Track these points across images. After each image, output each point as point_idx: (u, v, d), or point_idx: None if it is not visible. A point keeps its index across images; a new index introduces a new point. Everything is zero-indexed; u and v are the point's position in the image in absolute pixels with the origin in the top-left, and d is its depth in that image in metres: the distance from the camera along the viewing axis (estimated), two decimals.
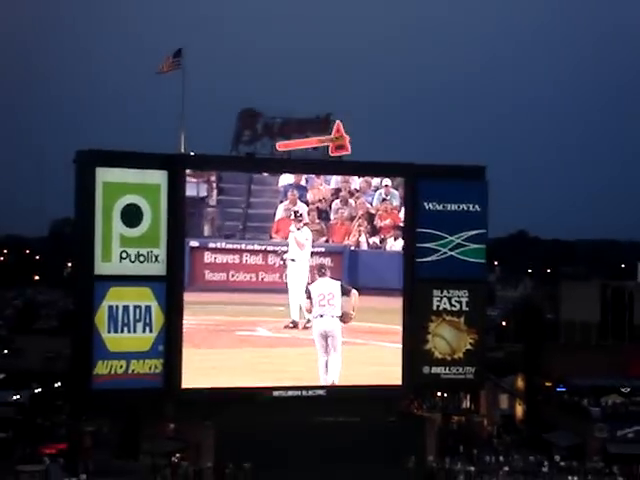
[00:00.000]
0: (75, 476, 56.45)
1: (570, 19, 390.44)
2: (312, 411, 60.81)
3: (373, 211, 65.58)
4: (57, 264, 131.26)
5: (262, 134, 63.30)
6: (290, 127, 63.41)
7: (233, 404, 59.57)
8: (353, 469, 58.11)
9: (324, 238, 64.67)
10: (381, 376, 63.62)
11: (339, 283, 62.20)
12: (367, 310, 62.96)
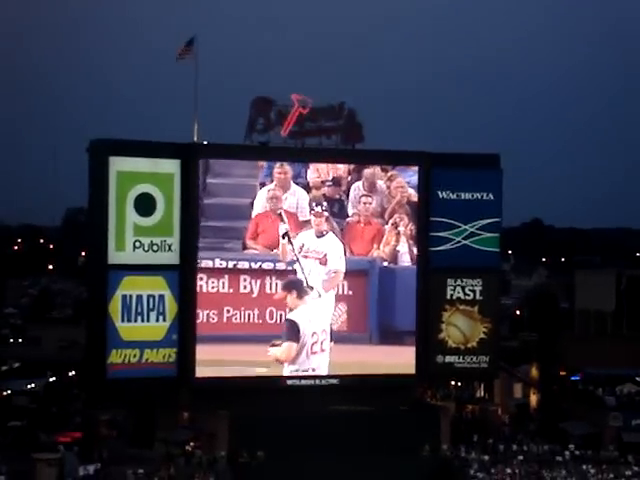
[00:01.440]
0: (90, 464, 56.71)
1: (586, 3, 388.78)
2: (326, 400, 60.79)
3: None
4: (71, 253, 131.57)
5: (276, 122, 62.99)
6: (304, 115, 63.01)
7: (247, 393, 59.63)
8: (366, 458, 58.10)
9: None
10: (394, 366, 62.71)
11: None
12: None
